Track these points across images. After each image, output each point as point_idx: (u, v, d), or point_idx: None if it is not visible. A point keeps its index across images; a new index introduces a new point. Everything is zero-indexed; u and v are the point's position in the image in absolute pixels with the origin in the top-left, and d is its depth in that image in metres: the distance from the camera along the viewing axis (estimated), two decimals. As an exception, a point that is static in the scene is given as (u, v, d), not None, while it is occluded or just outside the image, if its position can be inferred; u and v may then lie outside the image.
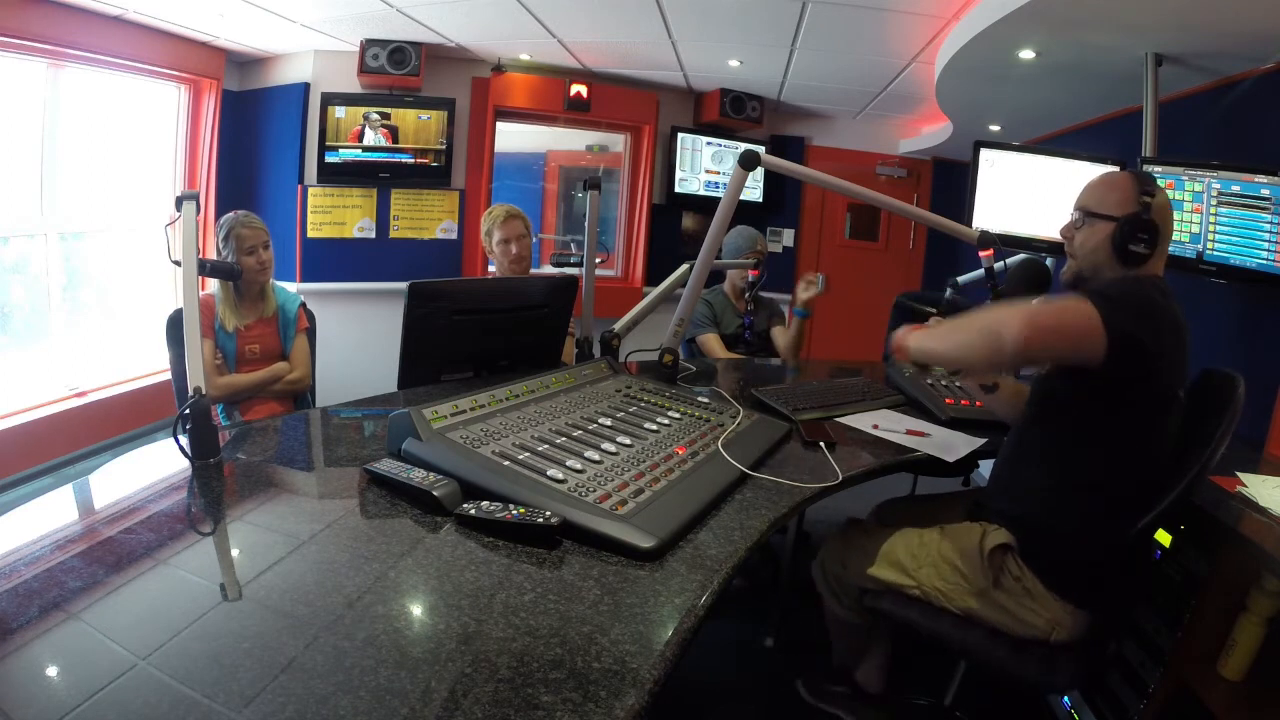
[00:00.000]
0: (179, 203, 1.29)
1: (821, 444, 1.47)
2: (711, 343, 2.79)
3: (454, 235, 4.47)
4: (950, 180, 4.93)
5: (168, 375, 2.40)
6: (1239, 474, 1.58)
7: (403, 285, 1.65)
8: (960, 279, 3.14)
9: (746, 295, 2.87)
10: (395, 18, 3.50)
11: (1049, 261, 2.61)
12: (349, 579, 0.86)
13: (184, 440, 1.18)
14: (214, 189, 4.04)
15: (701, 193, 4.89)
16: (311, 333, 2.57)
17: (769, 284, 3.07)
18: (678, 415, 1.46)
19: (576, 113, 4.55)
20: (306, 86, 4.09)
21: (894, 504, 1.81)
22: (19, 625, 0.75)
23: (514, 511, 0.98)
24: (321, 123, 4.06)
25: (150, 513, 1.07)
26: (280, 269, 2.69)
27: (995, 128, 3.94)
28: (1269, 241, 1.94)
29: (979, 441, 1.62)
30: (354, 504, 1.10)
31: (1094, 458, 1.33)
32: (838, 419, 1.71)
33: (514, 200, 3.31)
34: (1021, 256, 2.55)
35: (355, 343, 3.79)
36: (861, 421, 1.70)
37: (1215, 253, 2.08)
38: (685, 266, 2.12)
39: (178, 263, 1.27)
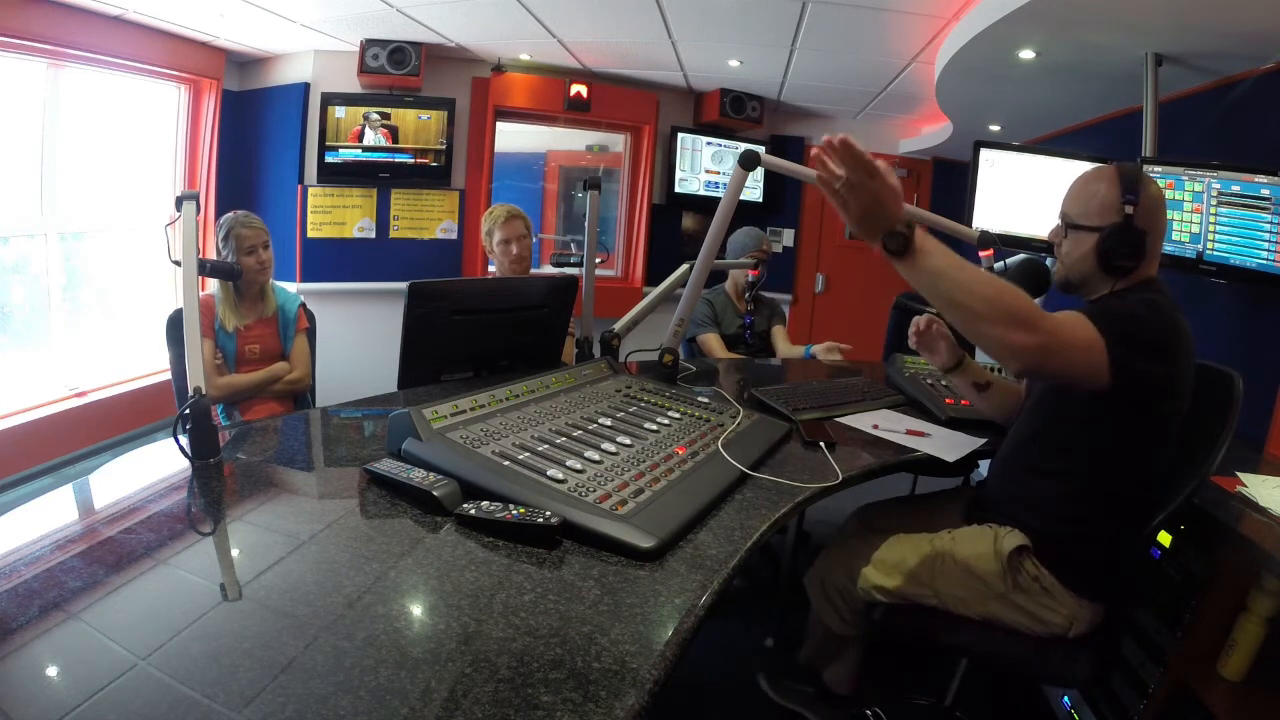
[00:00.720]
0: (179, 203, 1.29)
1: (821, 444, 1.47)
2: (712, 342, 2.79)
3: (454, 235, 4.47)
4: (950, 180, 4.93)
5: (168, 375, 2.40)
6: (1239, 474, 1.58)
7: (403, 285, 1.65)
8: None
9: (746, 295, 2.87)
10: (395, 18, 3.50)
11: (1049, 261, 2.61)
12: (349, 579, 0.86)
13: (184, 440, 1.18)
14: (214, 189, 4.04)
15: (701, 193, 4.89)
16: (311, 333, 2.57)
17: (770, 284, 3.07)
18: (678, 415, 1.46)
19: (576, 113, 4.55)
20: (306, 86, 4.09)
21: (880, 508, 1.77)
22: (19, 625, 0.75)
23: (514, 511, 0.98)
24: (321, 123, 4.06)
25: (150, 513, 1.07)
26: (280, 269, 2.69)
27: (995, 128, 3.94)
28: (1269, 241, 1.94)
29: (979, 441, 1.62)
30: (354, 504, 1.10)
31: (1100, 463, 1.32)
32: (838, 419, 1.71)
33: (514, 200, 3.31)
34: (1021, 256, 2.54)
35: (355, 343, 3.79)
36: (861, 421, 1.70)
37: (1215, 253, 2.09)
38: (685, 266, 2.12)
39: (178, 263, 1.27)
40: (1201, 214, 2.11)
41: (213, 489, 1.15)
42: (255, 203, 4.18)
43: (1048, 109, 3.38)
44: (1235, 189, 2.02)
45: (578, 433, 1.28)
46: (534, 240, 2.71)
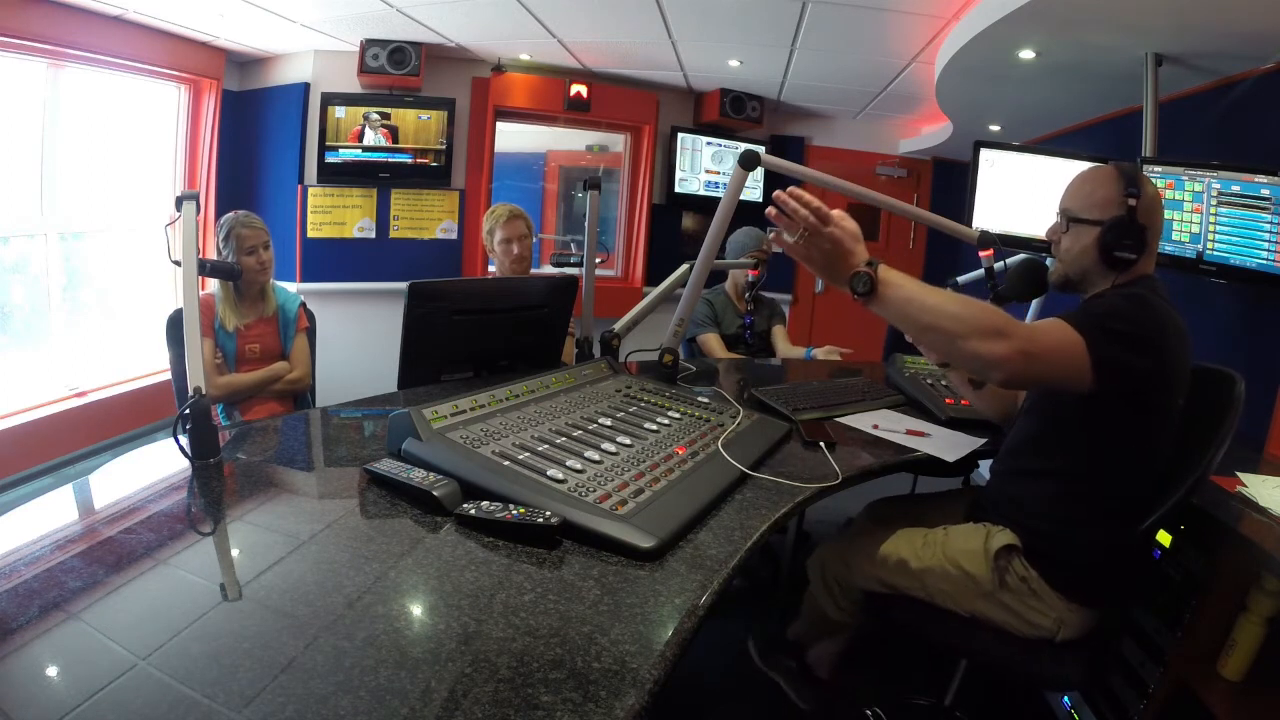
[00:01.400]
0: (179, 203, 1.29)
1: (821, 444, 1.47)
2: (712, 342, 2.79)
3: (454, 235, 4.47)
4: (950, 180, 4.93)
5: (168, 375, 2.40)
6: (1239, 474, 1.59)
7: (403, 285, 1.65)
8: (960, 279, 3.13)
9: (747, 295, 2.87)
10: (395, 18, 3.50)
11: (1049, 261, 2.61)
12: (349, 579, 0.86)
13: (184, 440, 1.18)
14: (214, 189, 4.04)
15: (701, 193, 4.89)
16: (311, 332, 2.57)
17: (770, 284, 3.07)
18: (678, 415, 1.46)
19: (576, 113, 4.55)
20: (306, 86, 4.09)
21: (888, 503, 1.80)
22: (19, 625, 0.75)
23: (514, 511, 0.98)
24: (321, 123, 4.06)
25: (150, 513, 1.07)
26: (280, 269, 2.69)
27: (995, 128, 3.94)
28: (1269, 241, 1.94)
29: (979, 441, 1.62)
30: (354, 504, 1.10)
31: (1099, 463, 1.32)
32: (838, 419, 1.71)
33: (514, 200, 3.31)
34: (1021, 256, 2.54)
35: (355, 343, 3.79)
36: (861, 421, 1.70)
37: (1215, 253, 2.08)
38: (685, 266, 2.12)
39: (178, 263, 1.27)
40: (1201, 214, 2.11)
41: (213, 489, 1.15)
42: (255, 203, 4.18)
43: (1048, 109, 3.38)
44: (1235, 189, 2.02)
45: (578, 433, 1.28)
46: (534, 240, 2.71)
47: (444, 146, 4.25)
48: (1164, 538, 1.61)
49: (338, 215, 4.25)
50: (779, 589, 2.54)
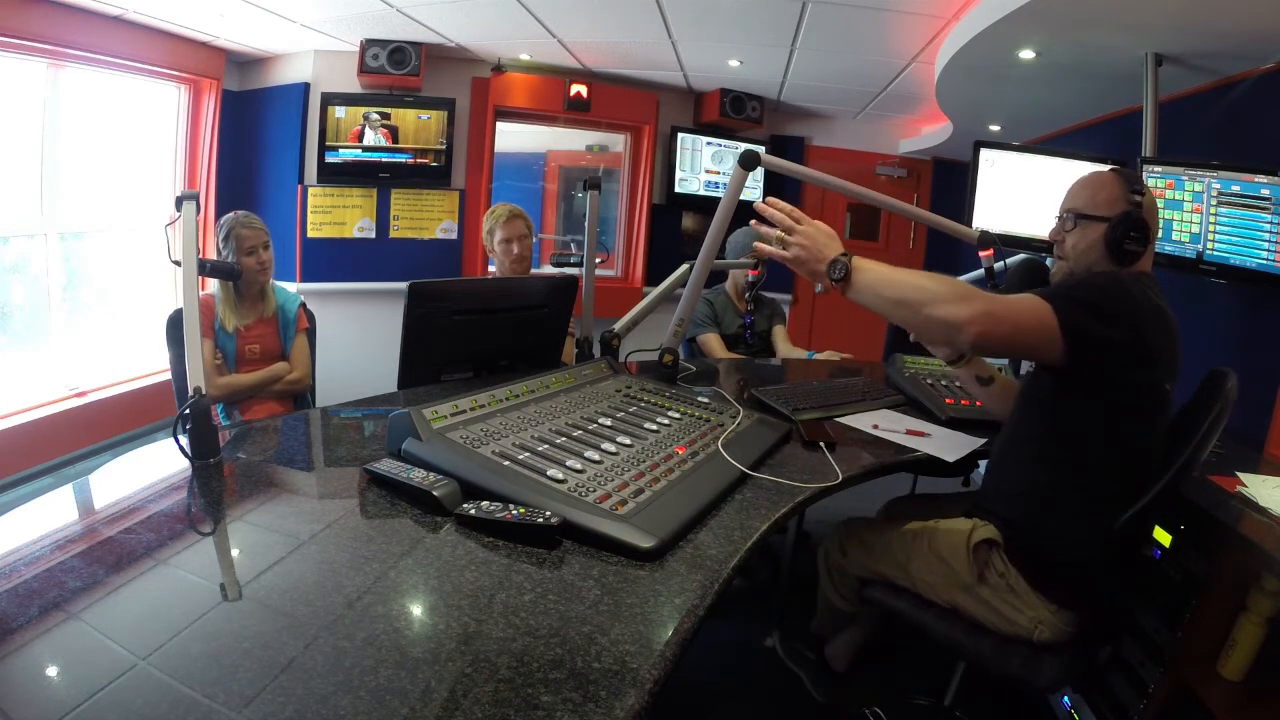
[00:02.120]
0: (179, 203, 1.29)
1: (821, 444, 1.47)
2: (712, 342, 2.79)
3: (454, 235, 4.47)
4: (950, 180, 4.93)
5: (168, 375, 2.40)
6: (1239, 474, 1.59)
7: (403, 285, 1.65)
8: (960, 279, 3.13)
9: (747, 295, 2.87)
10: (395, 18, 3.50)
11: (1049, 261, 2.62)
12: (349, 579, 0.86)
13: (184, 440, 1.18)
14: (214, 189, 4.04)
15: (701, 193, 4.89)
16: (311, 333, 2.57)
17: (770, 284, 3.07)
18: (678, 415, 1.46)
19: (576, 113, 4.55)
20: (306, 86, 4.09)
21: (902, 501, 1.84)
22: (19, 625, 0.75)
23: (514, 511, 0.98)
24: (321, 123, 4.06)
25: (150, 513, 1.07)
26: (280, 269, 2.69)
27: (995, 128, 3.94)
28: (1269, 241, 1.94)
29: (979, 441, 1.62)
30: (354, 504, 1.10)
31: (1082, 455, 1.33)
32: (838, 419, 1.71)
33: (514, 200, 3.31)
34: (1021, 256, 2.55)
35: (355, 343, 3.79)
36: (861, 421, 1.70)
37: (1215, 253, 2.08)
38: (685, 266, 2.12)
39: (178, 263, 1.27)
40: (1201, 214, 2.11)
41: (213, 489, 1.15)
42: (255, 203, 4.18)
43: (1048, 109, 3.38)
44: (1235, 189, 2.02)
45: (578, 433, 1.28)
46: (534, 240, 2.71)
47: (444, 146, 4.25)
48: (1164, 538, 1.61)
49: (338, 215, 4.25)
50: (779, 589, 2.54)
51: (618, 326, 2.08)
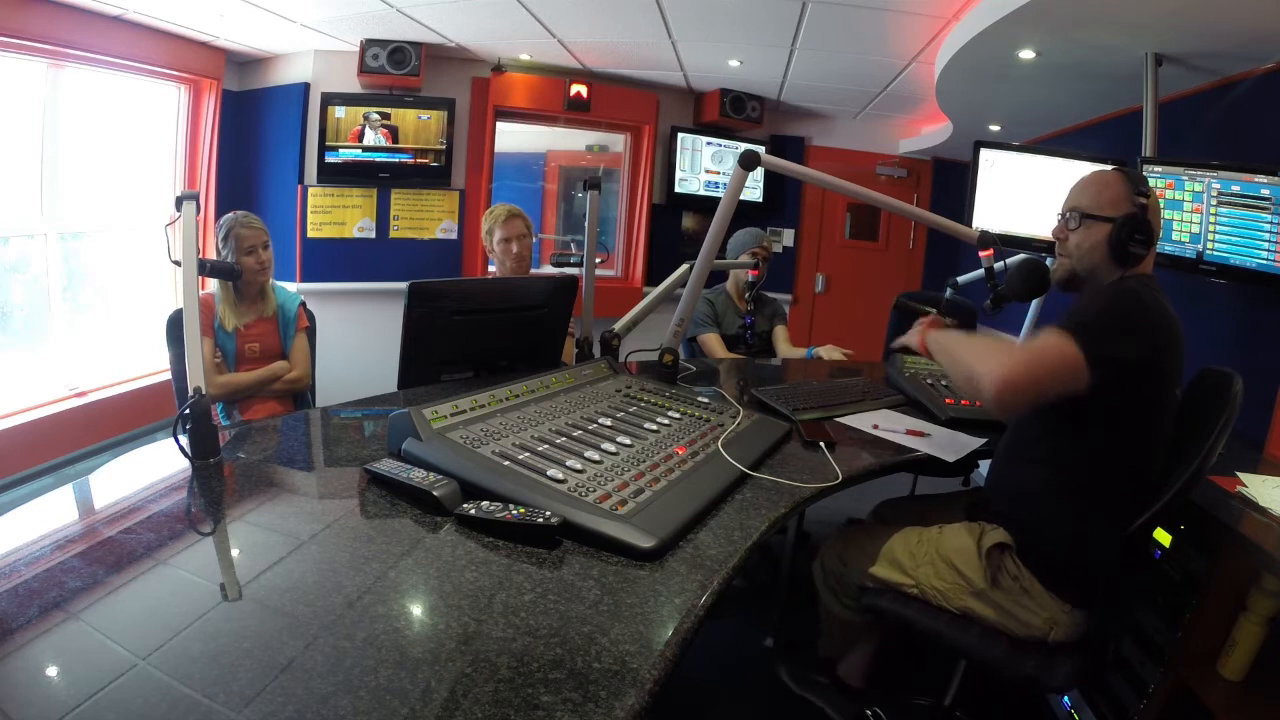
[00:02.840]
0: (179, 203, 1.29)
1: (821, 444, 1.47)
2: (712, 342, 2.79)
3: (454, 235, 4.47)
4: (950, 180, 4.93)
5: (168, 375, 2.40)
6: (1239, 474, 1.59)
7: (403, 285, 1.65)
8: (960, 279, 3.14)
9: (747, 295, 2.87)
10: (395, 18, 3.50)
11: (1049, 261, 2.63)
12: (349, 579, 0.86)
13: (184, 440, 1.18)
14: (214, 189, 4.03)
15: (701, 193, 4.89)
16: (311, 332, 2.57)
17: (770, 284, 3.07)
18: (678, 415, 1.46)
19: (576, 113, 4.55)
20: (306, 86, 4.09)
21: (894, 504, 1.82)
22: (19, 625, 0.75)
23: (514, 511, 0.98)
24: (321, 123, 4.06)
25: (150, 513, 1.07)
26: (280, 269, 2.69)
27: (995, 128, 3.94)
28: (1269, 241, 1.94)
29: (979, 441, 1.62)
30: (354, 504, 1.10)
31: (1090, 458, 1.32)
32: (838, 419, 1.71)
33: (514, 200, 3.31)
34: (1021, 256, 2.54)
35: (355, 343, 3.79)
36: (861, 421, 1.70)
37: (1215, 253, 2.08)
38: (685, 266, 2.11)
39: (178, 263, 1.27)
40: (1201, 214, 2.11)
41: (213, 489, 1.15)
42: (255, 203, 4.18)
43: (1048, 109, 3.38)
44: (1235, 189, 2.02)
45: (578, 433, 1.28)
46: (534, 240, 2.70)
47: (444, 146, 4.25)
48: (1164, 538, 1.61)
49: (338, 215, 4.25)
50: (779, 589, 2.54)
51: (618, 326, 2.08)
